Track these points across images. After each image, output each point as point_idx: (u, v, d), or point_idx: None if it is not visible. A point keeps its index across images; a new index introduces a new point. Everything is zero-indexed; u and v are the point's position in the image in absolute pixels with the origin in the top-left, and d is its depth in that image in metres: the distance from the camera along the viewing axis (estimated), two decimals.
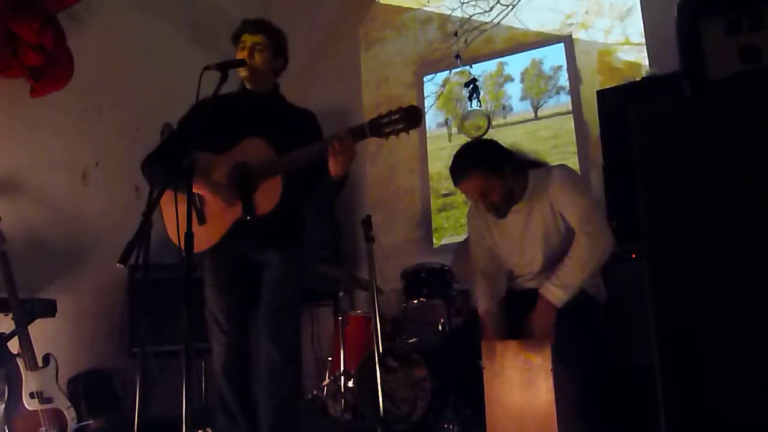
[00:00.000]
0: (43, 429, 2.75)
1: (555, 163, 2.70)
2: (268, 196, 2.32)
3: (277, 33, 2.56)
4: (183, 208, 2.01)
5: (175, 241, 2.41)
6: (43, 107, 3.42)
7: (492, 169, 2.48)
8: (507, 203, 2.53)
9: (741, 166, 1.48)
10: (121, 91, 3.88)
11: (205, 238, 2.39)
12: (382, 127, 2.25)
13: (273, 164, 2.33)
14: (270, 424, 2.38)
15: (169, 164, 2.28)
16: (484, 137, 4.21)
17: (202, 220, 2.43)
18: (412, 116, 2.24)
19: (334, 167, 2.27)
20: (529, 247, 2.56)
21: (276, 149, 2.34)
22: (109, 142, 3.78)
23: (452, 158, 2.60)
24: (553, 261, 2.52)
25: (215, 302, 2.50)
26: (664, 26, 2.69)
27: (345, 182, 2.40)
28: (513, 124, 4.41)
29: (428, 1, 4.79)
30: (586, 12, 4.30)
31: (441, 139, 4.63)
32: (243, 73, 2.50)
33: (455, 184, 2.58)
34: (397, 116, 2.24)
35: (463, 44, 4.56)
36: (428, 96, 4.70)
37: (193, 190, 2.22)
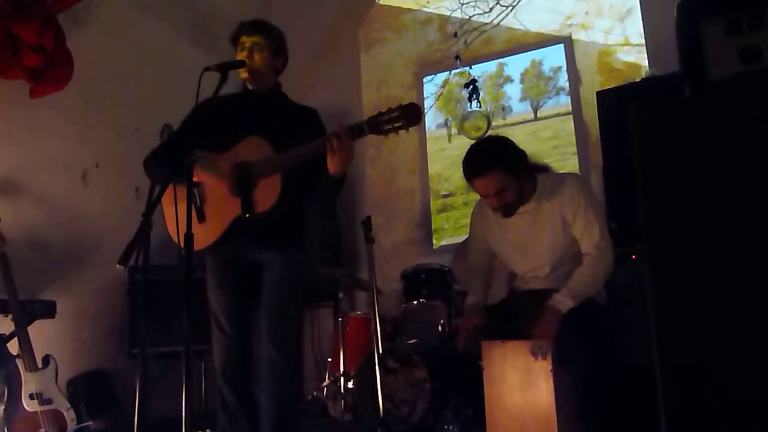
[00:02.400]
0: (43, 430, 2.75)
1: (553, 165, 2.70)
2: (267, 194, 2.32)
3: (275, 32, 2.57)
4: (183, 206, 2.01)
5: (176, 239, 2.41)
6: (43, 108, 3.42)
7: (512, 169, 2.45)
8: (516, 204, 2.52)
9: (741, 167, 1.48)
10: (121, 91, 3.88)
11: (204, 237, 2.39)
12: (380, 124, 2.24)
13: (272, 162, 2.33)
14: (271, 426, 2.37)
15: (171, 162, 2.28)
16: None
17: (201, 218, 2.42)
18: (412, 114, 2.23)
19: (332, 165, 2.26)
20: (534, 250, 2.56)
21: (277, 147, 2.34)
22: (109, 143, 3.78)
23: (469, 151, 2.54)
24: (559, 265, 2.53)
25: (217, 303, 2.51)
26: (663, 27, 2.69)
27: (344, 181, 2.39)
28: (513, 124, 4.41)
29: (428, 2, 4.79)
30: (586, 13, 4.30)
31: (441, 140, 4.63)
32: (244, 74, 2.50)
33: (470, 178, 2.49)
34: (396, 114, 2.23)
35: (462, 45, 4.57)
36: (428, 97, 4.70)
37: (198, 179, 2.26)
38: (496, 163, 2.43)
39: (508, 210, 2.52)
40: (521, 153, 2.54)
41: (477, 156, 2.50)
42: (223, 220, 2.39)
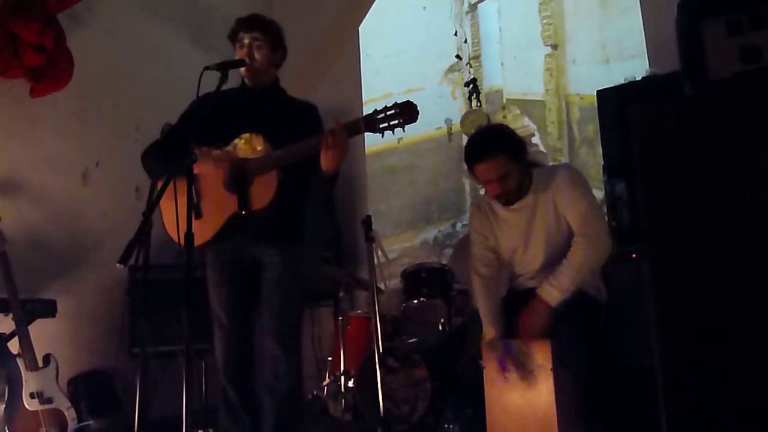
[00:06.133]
0: (43, 429, 2.75)
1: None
2: (263, 191, 2.31)
3: (273, 26, 2.55)
4: (180, 202, 2.01)
5: (174, 236, 2.40)
6: (44, 107, 3.42)
7: (515, 155, 2.45)
8: (516, 193, 2.52)
9: (741, 166, 1.48)
10: (121, 91, 3.88)
11: (200, 233, 2.37)
12: (377, 122, 2.23)
13: (268, 159, 2.32)
14: (273, 423, 2.38)
15: (169, 158, 2.28)
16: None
17: (198, 215, 2.41)
18: (408, 111, 2.23)
19: (325, 162, 2.25)
20: (531, 245, 2.55)
21: (275, 143, 2.33)
22: (109, 143, 3.78)
23: (471, 138, 2.54)
24: (553, 260, 2.51)
25: (218, 301, 2.51)
26: (664, 26, 2.69)
27: (336, 178, 2.38)
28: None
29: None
30: None
31: (441, 139, 4.62)
32: (244, 71, 2.50)
33: (473, 162, 2.47)
34: (392, 111, 2.21)
35: (463, 44, 4.57)
36: None
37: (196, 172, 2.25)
38: (500, 147, 2.43)
39: (509, 198, 2.51)
40: (522, 141, 2.55)
41: (481, 141, 2.51)
42: (219, 217, 2.38)
